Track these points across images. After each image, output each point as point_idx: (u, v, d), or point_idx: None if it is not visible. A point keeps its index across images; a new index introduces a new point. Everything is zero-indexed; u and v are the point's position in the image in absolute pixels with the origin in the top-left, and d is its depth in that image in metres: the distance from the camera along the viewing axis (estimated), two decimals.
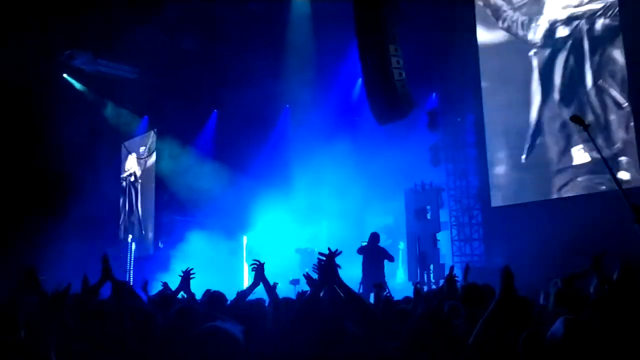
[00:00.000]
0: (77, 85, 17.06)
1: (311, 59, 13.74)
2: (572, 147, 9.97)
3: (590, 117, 9.70)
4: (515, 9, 11.07)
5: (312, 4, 13.33)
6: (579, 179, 9.87)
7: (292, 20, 13.78)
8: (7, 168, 14.50)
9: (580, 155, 9.87)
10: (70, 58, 15.81)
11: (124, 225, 20.23)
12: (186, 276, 5.29)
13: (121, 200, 20.59)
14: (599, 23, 9.74)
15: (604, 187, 9.47)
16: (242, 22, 13.71)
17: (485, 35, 11.58)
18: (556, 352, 2.31)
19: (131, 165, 20.37)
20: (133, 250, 17.73)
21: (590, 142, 9.65)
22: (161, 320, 3.64)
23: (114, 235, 19.72)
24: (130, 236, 19.29)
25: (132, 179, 20.33)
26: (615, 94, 9.45)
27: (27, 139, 14.94)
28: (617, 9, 9.44)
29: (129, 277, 15.88)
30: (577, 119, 4.29)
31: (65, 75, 16.58)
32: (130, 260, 17.18)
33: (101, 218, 18.12)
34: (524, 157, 10.72)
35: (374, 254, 10.13)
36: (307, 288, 4.80)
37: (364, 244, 10.44)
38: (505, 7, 11.24)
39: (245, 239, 16.37)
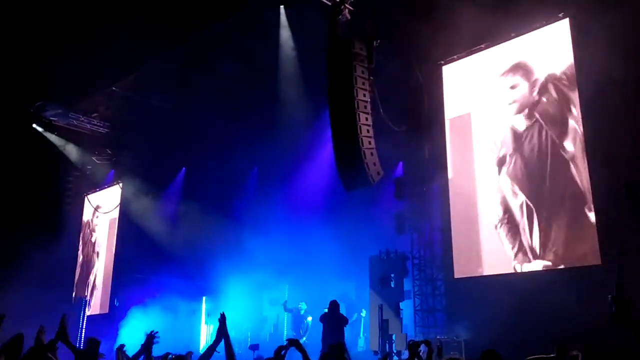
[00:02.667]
0: (46, 135, 16.84)
1: (283, 123, 13.87)
2: (533, 224, 10.18)
3: (550, 195, 10.02)
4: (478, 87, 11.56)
5: (301, 73, 13.00)
6: (537, 255, 10.04)
7: (273, 87, 13.55)
8: None
9: (539, 232, 10.08)
10: (41, 109, 15.72)
11: (80, 281, 19.58)
12: (149, 340, 5.07)
13: (79, 254, 20.02)
14: (557, 98, 10.22)
15: (562, 265, 9.66)
16: (216, 85, 13.89)
17: (452, 110, 11.97)
18: None
19: (93, 218, 19.94)
20: (87, 307, 17.12)
21: (547, 222, 9.93)
22: None
23: (68, 291, 19.04)
24: (86, 293, 18.67)
25: (92, 232, 19.85)
26: (579, 173, 9.78)
27: None
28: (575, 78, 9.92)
29: (81, 336, 15.24)
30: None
31: (34, 126, 16.39)
32: (84, 318, 16.55)
33: (57, 272, 17.57)
34: (486, 230, 10.88)
35: (334, 322, 10.09)
36: (265, 354, 4.70)
37: (326, 311, 10.41)
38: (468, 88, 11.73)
39: (204, 300, 16.02)
